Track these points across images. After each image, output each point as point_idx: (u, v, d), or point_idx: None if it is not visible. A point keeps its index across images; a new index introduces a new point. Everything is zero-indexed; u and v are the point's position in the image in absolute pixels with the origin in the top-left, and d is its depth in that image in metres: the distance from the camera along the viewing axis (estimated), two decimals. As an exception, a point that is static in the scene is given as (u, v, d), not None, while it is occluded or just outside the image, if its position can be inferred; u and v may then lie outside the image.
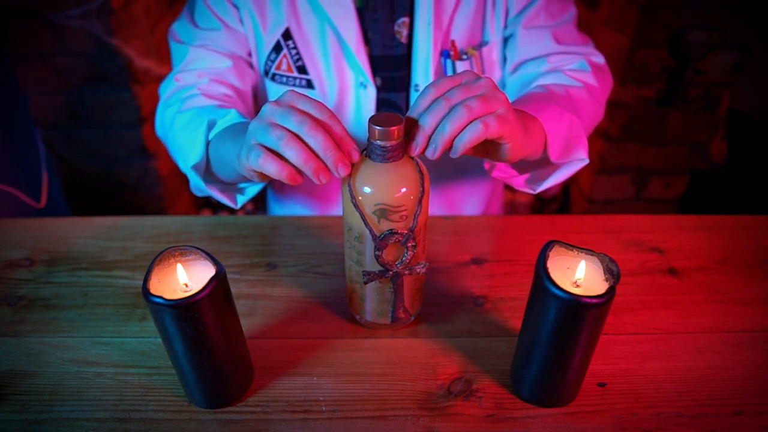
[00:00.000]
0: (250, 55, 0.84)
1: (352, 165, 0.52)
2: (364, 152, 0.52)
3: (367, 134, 0.50)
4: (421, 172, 0.52)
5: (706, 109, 1.43)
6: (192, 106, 0.73)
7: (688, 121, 1.45)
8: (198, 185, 0.69)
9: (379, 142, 0.49)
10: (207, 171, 0.68)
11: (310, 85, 0.82)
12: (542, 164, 0.68)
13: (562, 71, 0.78)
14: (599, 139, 1.52)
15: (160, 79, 1.45)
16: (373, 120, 0.49)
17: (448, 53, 0.81)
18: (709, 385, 0.56)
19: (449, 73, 0.82)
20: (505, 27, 0.83)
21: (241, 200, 0.72)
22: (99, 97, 1.32)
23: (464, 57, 0.82)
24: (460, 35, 0.81)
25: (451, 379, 0.57)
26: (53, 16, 1.19)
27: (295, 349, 0.60)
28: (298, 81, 0.82)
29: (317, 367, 0.58)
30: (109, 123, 1.36)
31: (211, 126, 0.66)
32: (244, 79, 0.83)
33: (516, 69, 0.84)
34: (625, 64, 1.36)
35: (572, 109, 0.68)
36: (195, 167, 0.66)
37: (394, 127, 0.48)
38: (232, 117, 0.65)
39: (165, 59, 1.47)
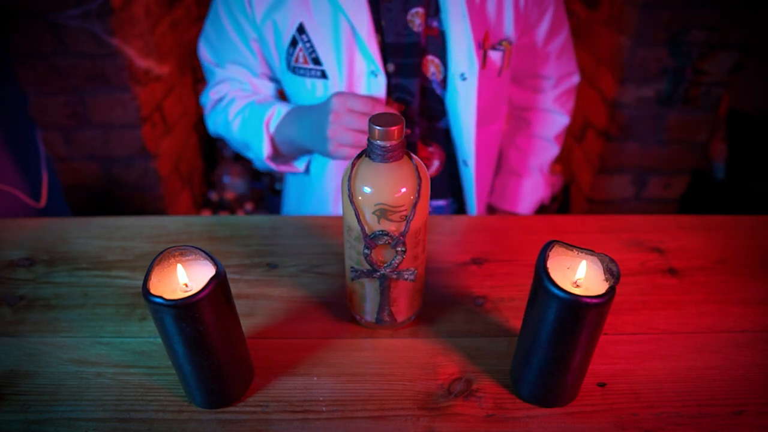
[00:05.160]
0: (267, 65, 0.93)
1: (353, 165, 0.52)
2: (364, 152, 0.52)
3: (367, 134, 0.50)
4: (419, 177, 0.52)
5: (706, 109, 1.43)
6: (238, 110, 0.91)
7: (688, 121, 1.45)
8: (269, 168, 0.93)
9: (379, 142, 0.49)
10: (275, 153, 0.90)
11: (324, 75, 0.86)
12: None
13: (552, 137, 1.08)
14: (599, 138, 1.52)
15: (160, 79, 1.45)
16: (373, 120, 0.49)
17: (480, 44, 0.86)
18: (709, 385, 0.56)
19: (479, 62, 0.87)
20: (524, 34, 0.93)
21: (302, 163, 0.94)
22: (99, 97, 1.32)
23: (499, 47, 0.88)
24: (488, 27, 0.86)
25: (451, 379, 0.57)
26: (53, 16, 1.19)
27: (295, 349, 0.60)
28: (313, 72, 0.87)
29: (317, 367, 0.58)
30: (109, 123, 1.36)
31: (267, 124, 0.87)
32: (262, 89, 0.96)
33: (514, 76, 1.02)
34: (625, 64, 1.36)
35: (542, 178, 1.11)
36: (267, 159, 0.89)
37: (394, 127, 0.48)
38: (279, 111, 0.87)
39: (165, 59, 1.47)
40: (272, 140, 0.88)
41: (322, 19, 0.83)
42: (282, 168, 0.94)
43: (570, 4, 1.68)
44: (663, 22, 1.29)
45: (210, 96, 0.95)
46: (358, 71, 0.85)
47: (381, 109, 0.74)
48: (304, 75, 0.87)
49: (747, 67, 1.42)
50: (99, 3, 1.18)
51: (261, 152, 0.88)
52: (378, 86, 0.85)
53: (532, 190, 1.10)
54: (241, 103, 0.91)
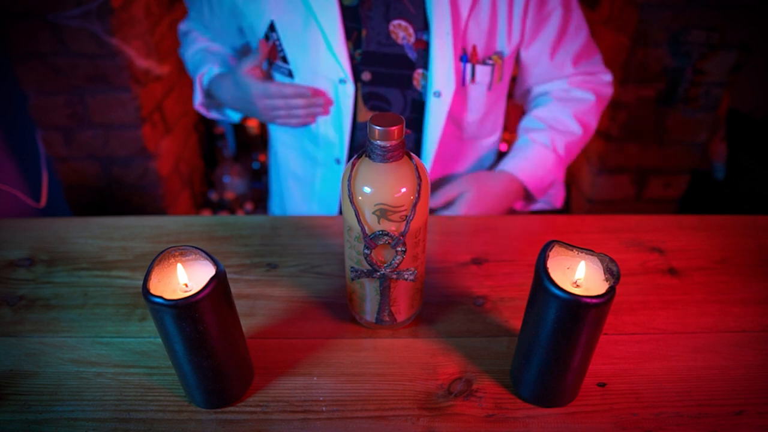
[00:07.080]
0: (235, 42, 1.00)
1: (353, 165, 0.52)
2: (364, 152, 0.52)
3: (367, 134, 0.50)
4: (419, 177, 0.52)
5: (706, 109, 1.43)
6: (192, 53, 1.04)
7: (688, 121, 1.45)
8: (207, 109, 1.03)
9: (379, 142, 0.49)
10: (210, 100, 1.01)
11: (290, 74, 0.88)
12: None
13: (571, 113, 0.94)
14: (599, 139, 1.52)
15: (160, 79, 1.45)
16: (373, 120, 0.49)
17: (467, 58, 0.84)
18: (709, 385, 0.56)
19: (468, 76, 0.86)
20: (523, 46, 0.90)
21: (237, 115, 1.03)
22: (99, 97, 1.32)
23: (488, 62, 0.86)
24: (477, 42, 0.84)
25: (451, 379, 0.57)
26: (53, 16, 1.19)
27: (295, 349, 0.60)
28: (283, 69, 0.89)
29: (317, 367, 0.58)
30: (109, 123, 1.36)
31: (200, 79, 0.98)
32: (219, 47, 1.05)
33: (537, 85, 0.97)
34: (625, 64, 1.36)
35: (564, 159, 0.97)
36: (199, 105, 1.00)
37: (394, 127, 0.48)
38: (210, 70, 0.97)
39: (165, 59, 1.47)
40: (205, 92, 0.99)
41: (293, 20, 0.83)
42: (214, 116, 1.03)
43: (570, 4, 1.67)
44: (663, 22, 1.29)
45: (180, 27, 1.08)
46: (325, 76, 0.85)
47: (296, 91, 0.84)
48: (275, 69, 0.90)
49: (747, 67, 1.42)
50: (99, 3, 1.18)
51: (195, 98, 1.00)
52: (346, 93, 0.85)
53: (538, 162, 0.95)
54: (196, 47, 1.03)
